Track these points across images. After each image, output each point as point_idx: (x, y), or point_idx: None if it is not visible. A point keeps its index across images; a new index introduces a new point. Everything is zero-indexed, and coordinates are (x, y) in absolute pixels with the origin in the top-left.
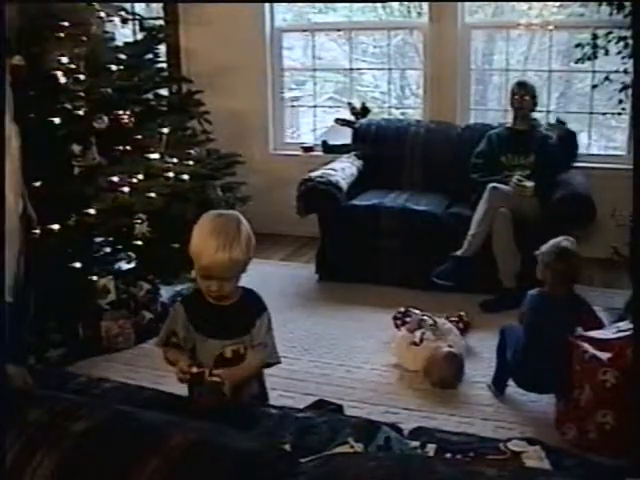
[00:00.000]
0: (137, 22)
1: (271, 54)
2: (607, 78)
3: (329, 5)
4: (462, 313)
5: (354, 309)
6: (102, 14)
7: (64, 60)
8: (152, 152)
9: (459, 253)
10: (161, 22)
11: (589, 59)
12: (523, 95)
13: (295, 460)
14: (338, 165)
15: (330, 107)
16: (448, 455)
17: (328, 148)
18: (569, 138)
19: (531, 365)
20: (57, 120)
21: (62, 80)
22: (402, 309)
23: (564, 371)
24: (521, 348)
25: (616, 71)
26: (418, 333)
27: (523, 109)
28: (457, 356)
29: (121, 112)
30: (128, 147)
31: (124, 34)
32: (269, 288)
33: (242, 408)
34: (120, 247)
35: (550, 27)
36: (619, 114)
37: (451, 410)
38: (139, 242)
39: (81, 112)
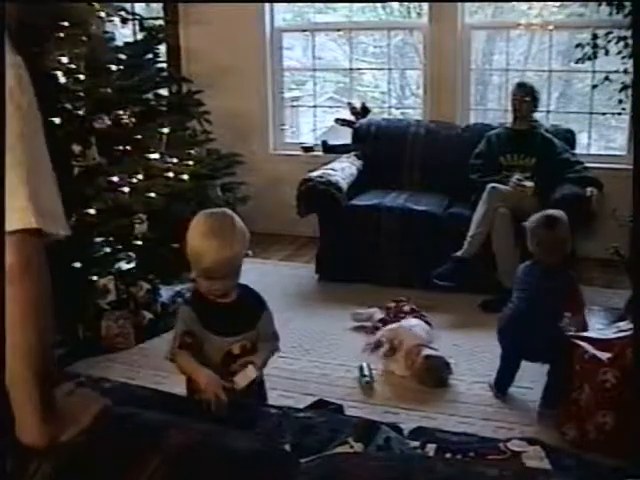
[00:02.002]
0: (137, 22)
1: (271, 54)
2: (607, 78)
3: (329, 5)
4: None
5: (354, 309)
6: (102, 14)
7: (64, 60)
8: (152, 152)
9: (459, 253)
10: (161, 22)
11: (589, 59)
12: (523, 96)
13: (295, 460)
14: (338, 165)
15: (330, 107)
16: (448, 455)
17: (328, 148)
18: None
19: (523, 330)
20: (57, 120)
21: (62, 80)
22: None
23: (555, 340)
24: (512, 313)
25: (616, 71)
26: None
27: (522, 110)
28: (435, 357)
29: (121, 112)
30: (128, 147)
31: (124, 34)
32: (269, 288)
33: (242, 408)
34: (120, 247)
35: (550, 27)
36: (619, 114)
37: (451, 410)
38: (139, 242)
39: (81, 112)
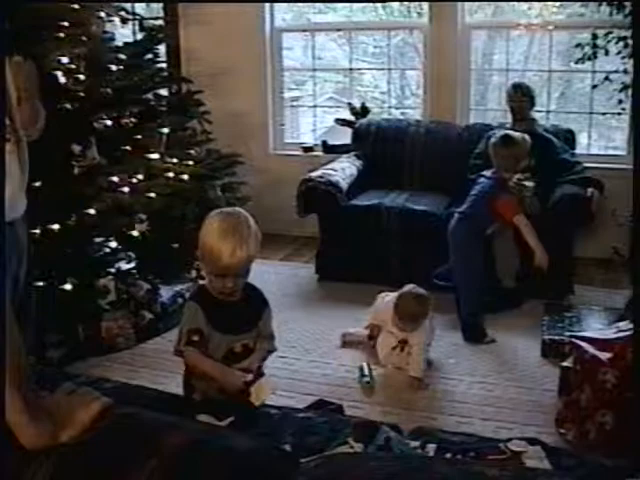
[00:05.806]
0: (137, 22)
1: (271, 54)
2: (607, 78)
3: (329, 5)
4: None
5: (354, 309)
6: (102, 14)
7: (64, 60)
8: (152, 152)
9: None
10: (161, 22)
11: (589, 59)
12: (520, 97)
13: (295, 460)
14: (338, 165)
15: (330, 107)
16: (448, 455)
17: (328, 148)
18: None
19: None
20: (57, 120)
21: (62, 80)
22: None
23: None
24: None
25: (616, 71)
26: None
27: (520, 111)
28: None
29: (121, 112)
30: (128, 147)
31: (124, 34)
32: (269, 288)
33: (243, 408)
34: (120, 247)
35: (550, 27)
36: (619, 114)
37: (451, 410)
38: (139, 242)
39: (81, 112)
